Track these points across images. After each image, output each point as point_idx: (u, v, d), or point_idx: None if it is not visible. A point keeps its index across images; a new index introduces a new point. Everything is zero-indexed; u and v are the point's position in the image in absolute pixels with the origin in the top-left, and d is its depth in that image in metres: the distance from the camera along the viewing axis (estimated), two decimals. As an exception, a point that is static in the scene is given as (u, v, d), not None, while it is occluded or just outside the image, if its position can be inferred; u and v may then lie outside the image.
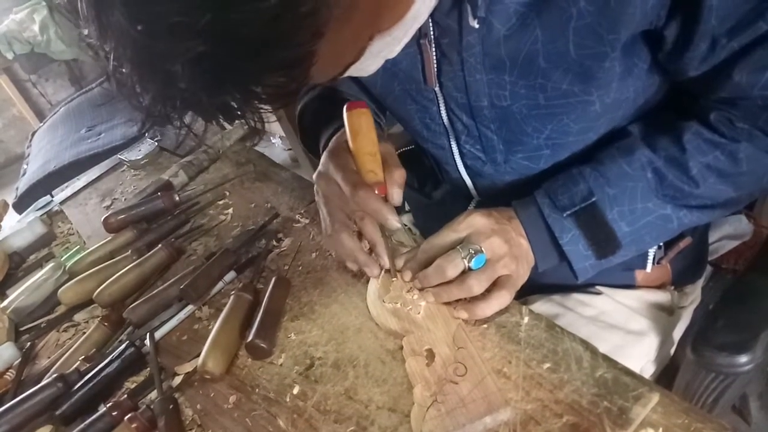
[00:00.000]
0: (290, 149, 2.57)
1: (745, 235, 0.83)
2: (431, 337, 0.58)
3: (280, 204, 0.90)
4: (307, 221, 0.84)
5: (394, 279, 0.63)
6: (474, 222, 0.61)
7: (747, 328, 0.61)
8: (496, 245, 0.59)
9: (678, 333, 0.75)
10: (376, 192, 0.62)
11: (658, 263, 0.72)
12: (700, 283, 0.79)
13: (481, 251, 0.58)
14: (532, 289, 0.74)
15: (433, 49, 0.60)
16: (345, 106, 0.65)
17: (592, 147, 0.64)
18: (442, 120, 0.68)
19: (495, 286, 0.59)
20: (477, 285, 0.57)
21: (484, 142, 0.66)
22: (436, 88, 0.64)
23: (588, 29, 0.52)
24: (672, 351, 0.76)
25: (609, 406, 0.48)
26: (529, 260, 0.62)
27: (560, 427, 0.47)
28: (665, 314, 0.74)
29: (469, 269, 0.58)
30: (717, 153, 0.56)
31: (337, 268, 0.73)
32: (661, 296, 0.75)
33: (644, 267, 0.71)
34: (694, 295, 0.78)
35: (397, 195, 0.64)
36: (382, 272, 0.65)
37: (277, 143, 2.73)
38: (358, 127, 0.64)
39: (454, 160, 0.72)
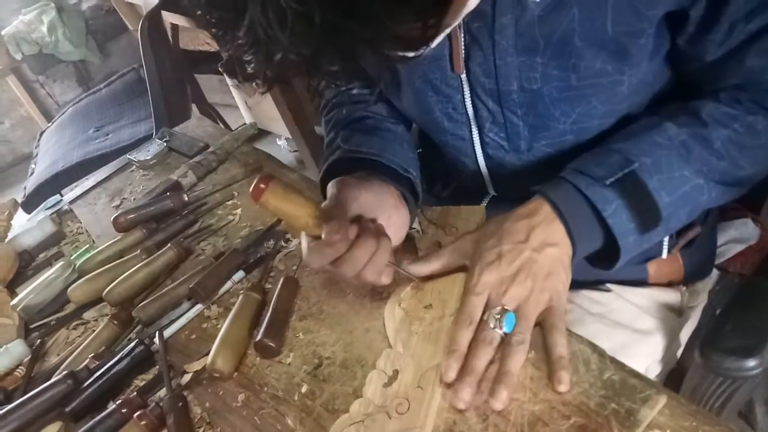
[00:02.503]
0: (296, 151, 2.57)
1: (751, 239, 0.83)
2: (405, 362, 0.56)
3: (288, 205, 0.91)
4: (315, 222, 0.84)
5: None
6: (487, 281, 0.55)
7: (755, 332, 0.61)
8: (518, 293, 0.54)
9: (685, 335, 0.75)
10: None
11: (669, 252, 0.70)
12: (708, 283, 0.79)
13: (506, 310, 0.53)
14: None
15: (462, 35, 0.61)
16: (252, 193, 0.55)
17: (609, 134, 0.63)
18: (466, 109, 0.67)
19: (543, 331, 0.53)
20: (522, 347, 0.51)
21: (509, 128, 0.66)
22: (463, 75, 0.64)
23: (627, 5, 0.53)
24: (679, 353, 0.76)
25: (617, 408, 0.48)
26: (564, 261, 0.56)
27: (567, 428, 0.48)
28: (674, 315, 0.74)
29: (506, 335, 0.53)
30: (736, 125, 0.57)
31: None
32: (671, 295, 0.75)
33: (660, 254, 0.70)
34: (702, 294, 0.77)
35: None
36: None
37: (283, 145, 2.74)
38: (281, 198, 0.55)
39: (474, 151, 0.71)
